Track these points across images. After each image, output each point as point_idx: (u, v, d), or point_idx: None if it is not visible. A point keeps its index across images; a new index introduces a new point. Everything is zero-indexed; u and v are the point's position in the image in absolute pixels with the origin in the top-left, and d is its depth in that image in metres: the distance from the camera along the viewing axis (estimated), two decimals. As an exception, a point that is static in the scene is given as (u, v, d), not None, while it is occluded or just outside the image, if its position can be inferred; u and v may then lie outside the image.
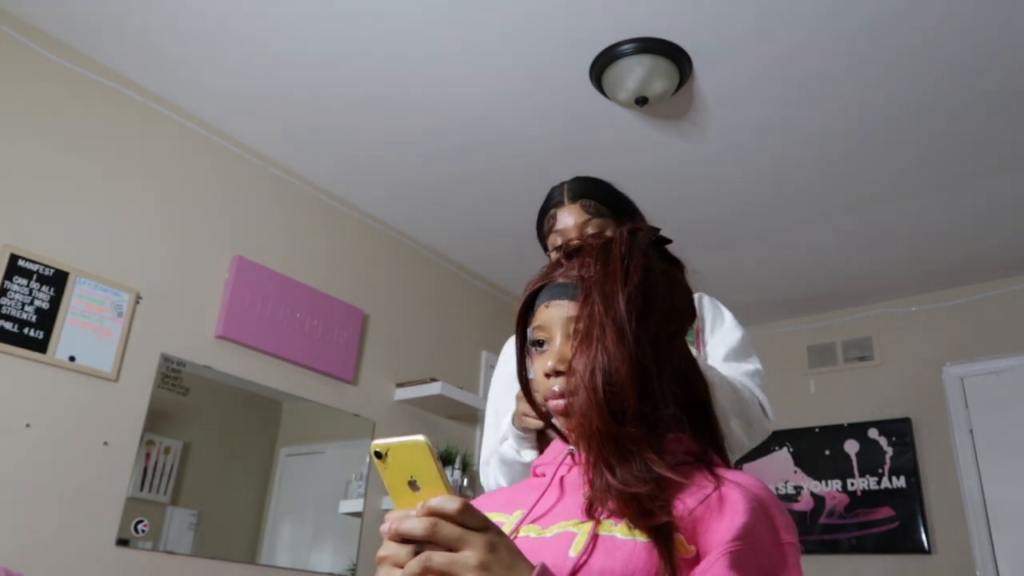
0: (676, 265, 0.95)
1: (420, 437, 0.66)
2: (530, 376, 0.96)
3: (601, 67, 2.45)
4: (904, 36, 2.28)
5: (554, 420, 0.91)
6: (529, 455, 1.35)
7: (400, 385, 3.36)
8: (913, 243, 3.45)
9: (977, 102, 2.54)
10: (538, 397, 0.92)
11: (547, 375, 0.88)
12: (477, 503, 0.95)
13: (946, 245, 3.45)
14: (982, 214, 3.19)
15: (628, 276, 0.85)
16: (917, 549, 3.59)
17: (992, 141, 2.73)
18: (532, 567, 0.67)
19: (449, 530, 0.65)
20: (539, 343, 0.91)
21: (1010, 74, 2.41)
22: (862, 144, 2.79)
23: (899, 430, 3.79)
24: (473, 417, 3.68)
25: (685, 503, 0.78)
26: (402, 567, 0.66)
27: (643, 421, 0.81)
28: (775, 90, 2.53)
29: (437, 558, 0.64)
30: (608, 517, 0.79)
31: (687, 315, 0.94)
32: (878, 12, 2.20)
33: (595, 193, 1.44)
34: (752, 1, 2.18)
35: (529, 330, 0.93)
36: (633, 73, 2.41)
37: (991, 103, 2.54)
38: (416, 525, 0.65)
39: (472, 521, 0.66)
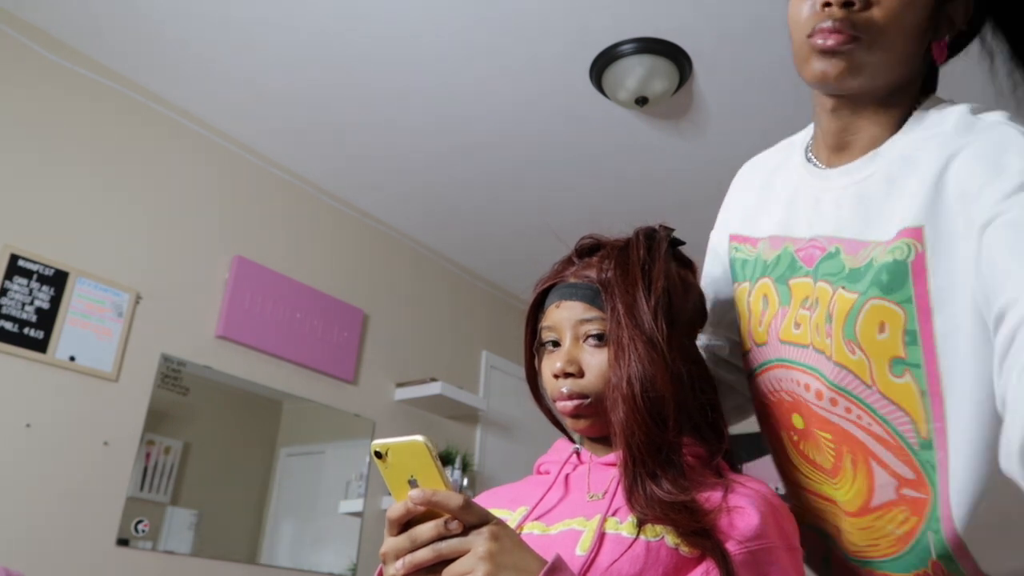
0: (688, 267, 0.95)
1: (419, 437, 0.67)
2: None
3: (601, 67, 2.45)
4: (904, 36, 2.28)
5: (561, 420, 0.92)
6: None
7: (400, 385, 3.36)
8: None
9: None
10: (546, 398, 0.93)
11: (556, 376, 0.88)
12: (481, 499, 0.96)
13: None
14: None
15: (651, 283, 0.85)
16: (916, 549, 3.58)
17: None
18: (537, 556, 0.68)
19: (454, 526, 0.66)
20: (550, 343, 0.91)
21: (1010, 74, 2.41)
22: (862, 144, 2.79)
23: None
24: (473, 417, 3.68)
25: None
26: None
27: (681, 428, 0.82)
28: (775, 90, 2.53)
29: (445, 546, 0.66)
30: (614, 514, 0.80)
31: (700, 317, 0.95)
32: (878, 12, 2.20)
33: None
34: (752, 1, 2.18)
35: (539, 329, 0.93)
36: (633, 73, 2.41)
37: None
38: (427, 528, 0.66)
39: (473, 516, 0.67)
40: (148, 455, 2.47)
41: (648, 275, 0.86)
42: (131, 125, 2.65)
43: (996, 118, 0.75)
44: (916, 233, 0.72)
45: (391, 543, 0.68)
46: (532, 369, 0.96)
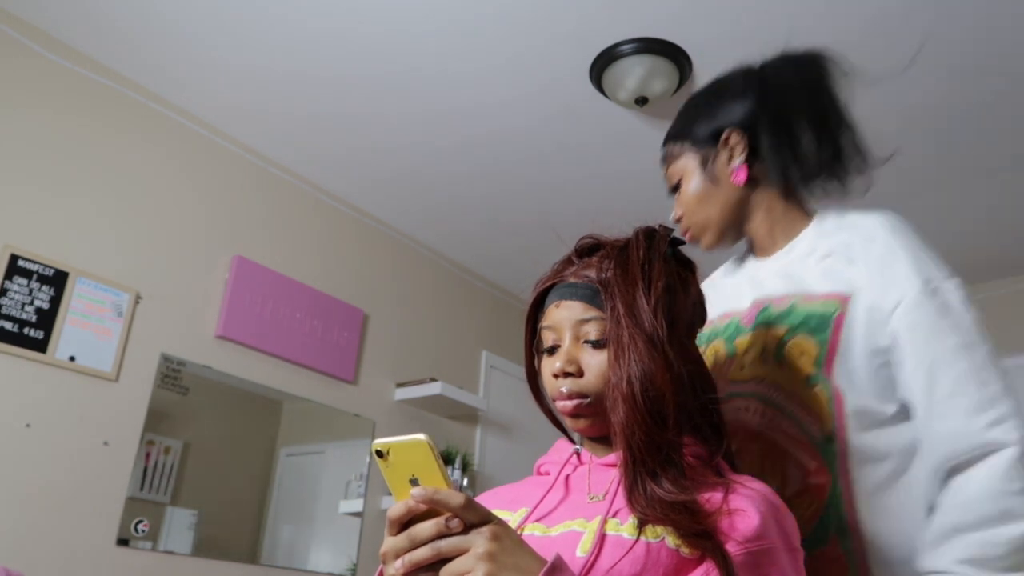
0: (688, 267, 0.95)
1: (421, 436, 0.67)
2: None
3: (601, 67, 2.45)
4: (904, 36, 2.28)
5: (561, 420, 0.92)
6: None
7: (400, 385, 3.36)
8: (913, 243, 3.45)
9: (978, 102, 2.54)
10: (546, 398, 0.92)
11: (555, 376, 0.88)
12: (482, 499, 0.95)
13: (946, 245, 3.43)
14: (982, 214, 3.19)
15: (650, 283, 0.85)
16: (917, 549, 3.58)
17: (993, 141, 2.73)
18: (537, 557, 0.68)
19: (455, 525, 0.66)
20: (549, 343, 0.91)
21: (1011, 74, 2.41)
22: (862, 144, 2.78)
23: (898, 430, 3.78)
24: (473, 417, 3.68)
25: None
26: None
27: (681, 427, 0.81)
28: (775, 90, 2.53)
29: (444, 544, 0.65)
30: (614, 516, 0.79)
31: (699, 318, 0.95)
32: (878, 12, 2.20)
33: (669, 134, 1.17)
34: (752, 1, 2.18)
35: (538, 329, 0.93)
36: (633, 73, 2.41)
37: (992, 103, 2.54)
38: (427, 526, 0.66)
39: (474, 515, 0.66)
40: (148, 455, 2.47)
41: (648, 275, 0.85)
42: (131, 125, 2.65)
43: (880, 222, 1.04)
44: (844, 299, 1.00)
45: (391, 542, 0.67)
46: (532, 369, 0.96)
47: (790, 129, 1.06)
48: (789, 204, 1.12)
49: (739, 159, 1.08)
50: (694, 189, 1.11)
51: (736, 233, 1.14)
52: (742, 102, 1.09)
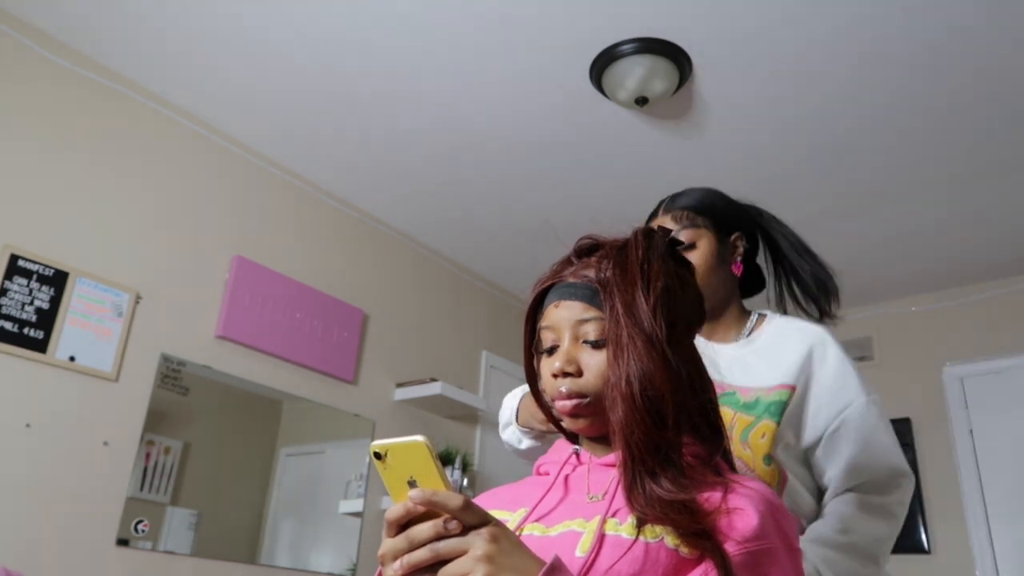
0: (686, 267, 0.95)
1: (419, 437, 0.66)
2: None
3: (601, 67, 2.45)
4: (904, 36, 2.28)
5: (561, 420, 0.91)
6: (527, 443, 1.43)
7: (400, 385, 3.36)
8: (912, 243, 3.46)
9: (977, 102, 2.54)
10: (545, 397, 0.92)
11: (555, 376, 0.87)
12: (481, 499, 0.95)
13: (945, 245, 3.45)
14: (982, 214, 3.19)
15: (649, 282, 0.85)
16: (917, 549, 3.59)
17: (992, 141, 2.73)
18: (536, 558, 0.68)
19: (453, 527, 0.65)
20: (549, 343, 0.90)
21: (1010, 74, 2.41)
22: (862, 144, 2.79)
23: (899, 430, 3.74)
24: (473, 417, 3.68)
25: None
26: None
27: (680, 427, 0.81)
28: (775, 90, 2.53)
29: (443, 546, 0.65)
30: (614, 516, 0.79)
31: (698, 317, 0.95)
32: (878, 13, 2.20)
33: (694, 204, 1.42)
34: (752, 1, 2.18)
35: (537, 329, 0.93)
36: (633, 73, 2.41)
37: (990, 103, 2.54)
38: (426, 527, 0.66)
39: (473, 517, 0.66)
40: (148, 455, 2.47)
41: (647, 275, 0.85)
42: (131, 125, 2.65)
43: (826, 335, 1.41)
44: (791, 388, 1.33)
45: (389, 544, 0.67)
46: (531, 369, 0.96)
47: (783, 257, 1.46)
48: (742, 304, 1.46)
49: (738, 258, 1.43)
50: (706, 257, 1.37)
51: (711, 311, 1.33)
52: (748, 223, 1.47)
